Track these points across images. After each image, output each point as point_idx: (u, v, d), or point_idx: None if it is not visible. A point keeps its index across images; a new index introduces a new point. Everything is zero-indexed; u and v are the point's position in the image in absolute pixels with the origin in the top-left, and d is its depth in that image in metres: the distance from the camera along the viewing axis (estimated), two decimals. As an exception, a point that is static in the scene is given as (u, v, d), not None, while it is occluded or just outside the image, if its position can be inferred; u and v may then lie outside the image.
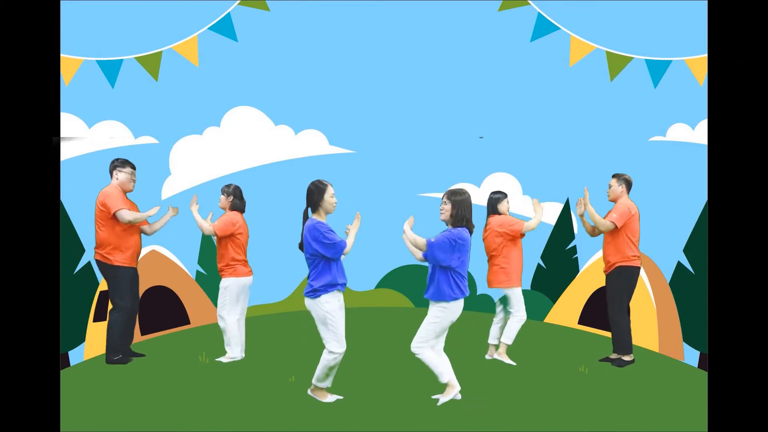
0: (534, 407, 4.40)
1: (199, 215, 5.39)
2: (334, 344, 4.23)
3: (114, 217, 5.26)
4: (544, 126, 7.34)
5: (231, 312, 5.39)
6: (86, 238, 6.13)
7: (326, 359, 4.28)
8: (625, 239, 5.33)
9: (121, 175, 5.40)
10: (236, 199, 5.52)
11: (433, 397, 4.47)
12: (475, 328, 6.21)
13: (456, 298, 4.26)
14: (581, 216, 5.58)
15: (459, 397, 4.41)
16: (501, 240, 5.39)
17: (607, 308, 5.47)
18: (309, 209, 4.31)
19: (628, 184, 5.48)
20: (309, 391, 4.45)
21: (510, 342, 5.46)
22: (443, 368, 4.35)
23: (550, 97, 7.27)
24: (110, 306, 5.48)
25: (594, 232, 5.62)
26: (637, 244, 5.39)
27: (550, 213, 7.34)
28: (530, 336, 6.33)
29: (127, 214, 5.25)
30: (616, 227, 5.31)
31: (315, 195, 4.25)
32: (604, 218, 5.37)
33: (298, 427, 4.00)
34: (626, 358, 5.39)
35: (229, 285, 5.38)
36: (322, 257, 4.19)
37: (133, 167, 5.48)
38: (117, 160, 5.47)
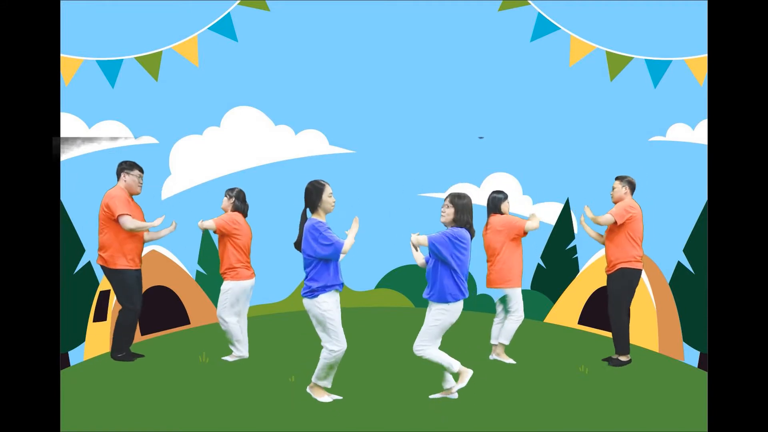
0: (534, 407, 4.40)
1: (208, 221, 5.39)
2: (333, 343, 4.24)
3: (116, 220, 5.22)
4: (544, 126, 7.33)
5: (230, 314, 5.42)
6: (86, 239, 6.13)
7: (326, 357, 4.28)
8: (627, 238, 5.34)
9: (129, 178, 5.37)
10: (238, 201, 5.53)
11: (446, 387, 4.48)
12: (475, 328, 6.21)
13: (457, 299, 4.28)
14: (583, 224, 5.68)
15: (456, 396, 4.44)
16: (502, 239, 5.40)
17: (608, 308, 5.48)
18: (308, 210, 4.32)
19: (632, 186, 5.49)
20: (308, 388, 4.46)
21: (507, 342, 5.50)
22: (450, 359, 4.33)
23: (550, 97, 7.26)
24: (117, 306, 5.45)
25: (600, 238, 5.65)
26: (640, 245, 5.39)
27: (550, 213, 7.34)
28: (530, 336, 6.33)
29: (129, 222, 5.21)
30: (616, 223, 5.32)
31: (313, 195, 4.26)
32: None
33: (298, 427, 4.00)
34: (623, 358, 5.41)
35: (230, 288, 5.40)
36: (320, 258, 4.20)
37: (141, 170, 5.45)
38: (125, 162, 5.43)
